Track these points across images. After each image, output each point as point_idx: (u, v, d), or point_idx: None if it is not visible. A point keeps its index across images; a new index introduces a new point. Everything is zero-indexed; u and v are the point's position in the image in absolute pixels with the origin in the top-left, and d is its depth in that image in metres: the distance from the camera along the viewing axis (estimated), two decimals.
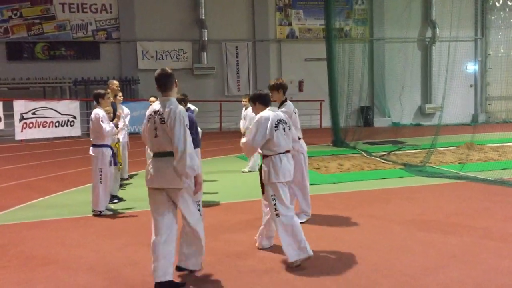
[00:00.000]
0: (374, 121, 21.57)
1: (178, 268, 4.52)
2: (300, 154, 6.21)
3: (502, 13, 22.23)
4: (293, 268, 4.69)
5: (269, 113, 4.98)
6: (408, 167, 10.24)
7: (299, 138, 6.21)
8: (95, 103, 7.28)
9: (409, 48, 22.27)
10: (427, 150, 11.07)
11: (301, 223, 5.26)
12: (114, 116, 7.61)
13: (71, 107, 16.77)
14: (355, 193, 8.07)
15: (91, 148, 7.09)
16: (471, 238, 5.50)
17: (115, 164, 7.47)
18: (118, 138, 8.05)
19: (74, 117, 16.78)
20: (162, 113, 4.16)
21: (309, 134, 17.60)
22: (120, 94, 8.81)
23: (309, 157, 11.75)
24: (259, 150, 5.04)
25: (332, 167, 10.48)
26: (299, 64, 21.27)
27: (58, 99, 17.61)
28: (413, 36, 22.51)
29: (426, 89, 22.81)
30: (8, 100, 16.12)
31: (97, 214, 6.98)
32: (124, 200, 7.80)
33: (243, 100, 10.68)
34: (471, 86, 23.17)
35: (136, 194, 8.16)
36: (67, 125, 16.65)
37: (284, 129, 5.00)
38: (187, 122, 4.15)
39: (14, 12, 18.39)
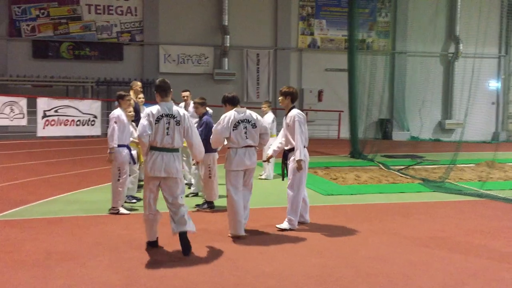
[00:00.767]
0: (392, 134, 21.39)
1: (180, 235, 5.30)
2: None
3: None
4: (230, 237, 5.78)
5: (232, 113, 5.87)
6: (426, 182, 10.12)
7: (304, 147, 6.26)
8: (116, 103, 7.39)
9: (431, 63, 22.09)
10: (446, 166, 10.92)
11: (281, 229, 6.15)
12: (137, 116, 7.68)
13: (92, 106, 17.00)
14: (373, 206, 8.00)
15: None
16: (491, 256, 5.41)
17: (134, 162, 7.53)
18: None
19: (95, 117, 16.99)
20: (176, 116, 5.22)
21: (326, 144, 17.75)
22: (141, 95, 8.89)
23: (326, 167, 11.99)
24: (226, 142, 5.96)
25: (349, 178, 10.41)
26: (319, 74, 21.25)
27: (81, 98, 17.86)
28: (436, 50, 22.34)
29: (447, 104, 22.59)
30: (31, 97, 16.40)
31: (115, 212, 7.05)
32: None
33: (263, 106, 10.68)
34: (492, 103, 22.90)
35: None
36: (88, 124, 16.87)
37: (245, 127, 5.84)
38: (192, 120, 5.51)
39: (42, 11, 18.76)
